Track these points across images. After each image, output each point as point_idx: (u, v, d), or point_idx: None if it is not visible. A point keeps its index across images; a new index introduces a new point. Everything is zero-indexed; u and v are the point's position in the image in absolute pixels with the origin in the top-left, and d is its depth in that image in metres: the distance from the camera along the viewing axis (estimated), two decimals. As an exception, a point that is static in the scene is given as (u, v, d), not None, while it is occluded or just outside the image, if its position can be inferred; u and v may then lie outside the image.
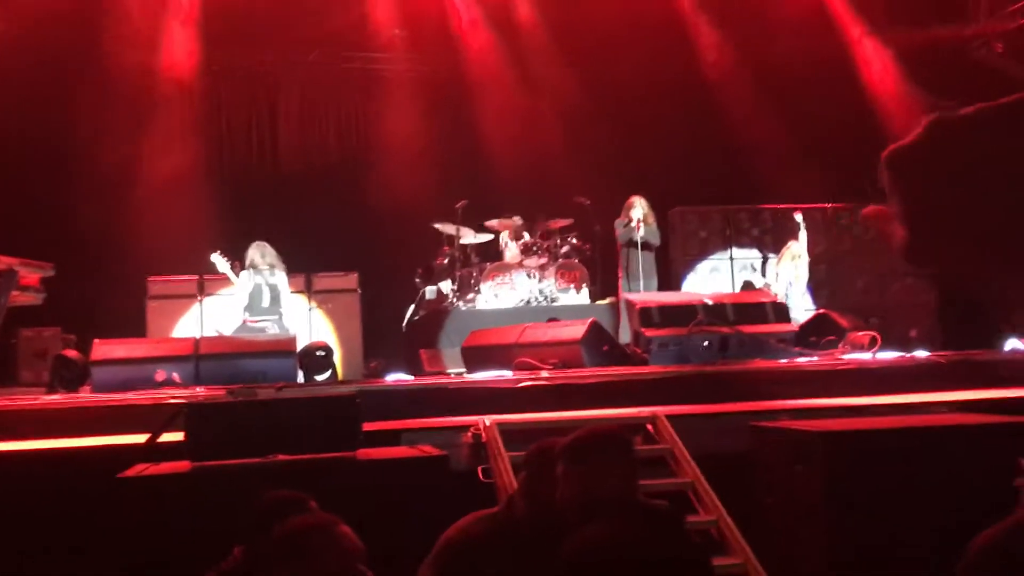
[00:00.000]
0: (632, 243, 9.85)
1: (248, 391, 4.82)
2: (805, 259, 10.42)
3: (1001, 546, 1.84)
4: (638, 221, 9.80)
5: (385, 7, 12.12)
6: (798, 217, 10.61)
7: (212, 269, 9.35)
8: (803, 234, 10.48)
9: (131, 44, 11.55)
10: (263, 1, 11.39)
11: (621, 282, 10.16)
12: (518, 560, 3.02)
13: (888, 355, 7.62)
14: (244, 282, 8.91)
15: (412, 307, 11.18)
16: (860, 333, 8.21)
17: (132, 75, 11.54)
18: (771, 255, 11.25)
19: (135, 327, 9.93)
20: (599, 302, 10.67)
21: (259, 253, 8.96)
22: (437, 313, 10.46)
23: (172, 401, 5.61)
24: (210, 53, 11.79)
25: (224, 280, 9.74)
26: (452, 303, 10.53)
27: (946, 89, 11.53)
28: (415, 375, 8.33)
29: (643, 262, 9.84)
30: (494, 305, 10.38)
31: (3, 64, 11.15)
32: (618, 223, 10.16)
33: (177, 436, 4.58)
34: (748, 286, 11.55)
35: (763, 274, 11.52)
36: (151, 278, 10.39)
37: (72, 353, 7.74)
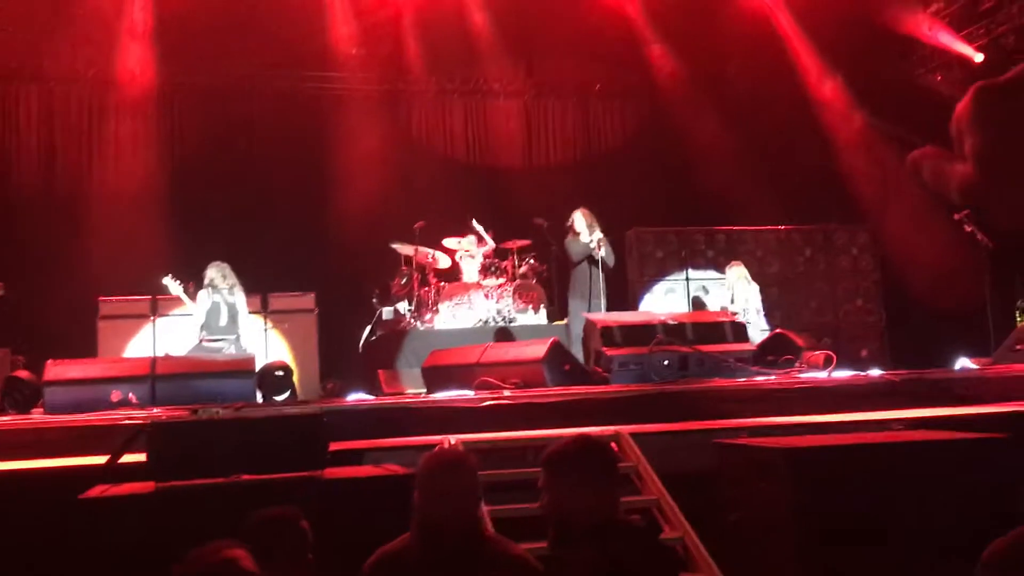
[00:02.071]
0: (593, 261, 9.78)
1: (211, 410, 4.75)
2: (750, 280, 10.62)
3: (1019, 553, 1.87)
4: (599, 241, 9.72)
5: (343, 26, 12.13)
6: None
7: (165, 290, 9.21)
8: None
9: (82, 59, 11.39)
10: (219, 19, 11.30)
11: (571, 302, 10.06)
12: None
13: (843, 374, 7.76)
14: (202, 301, 8.79)
15: (369, 327, 11.11)
16: (816, 352, 8.36)
17: (84, 90, 11.37)
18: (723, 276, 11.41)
19: (86, 348, 9.70)
20: (557, 322, 10.71)
21: (219, 273, 8.84)
22: (395, 333, 10.41)
23: (129, 422, 5.50)
24: (165, 70, 11.66)
25: (177, 300, 9.59)
26: (410, 323, 10.49)
27: (894, 114, 11.91)
28: (374, 395, 8.27)
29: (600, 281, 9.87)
30: (452, 325, 10.36)
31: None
32: (572, 241, 9.95)
33: (138, 457, 4.49)
34: (698, 304, 11.71)
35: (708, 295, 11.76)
36: (102, 298, 10.18)
37: (24, 374, 7.55)
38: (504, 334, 10.02)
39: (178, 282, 8.86)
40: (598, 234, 9.77)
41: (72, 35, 10.94)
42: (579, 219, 9.90)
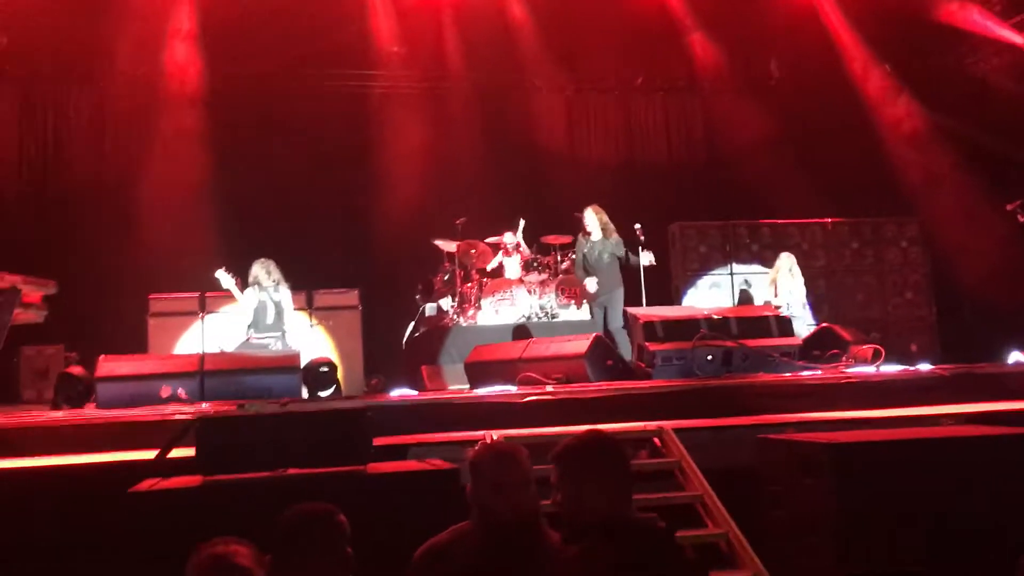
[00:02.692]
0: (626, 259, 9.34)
1: (258, 405, 4.83)
2: (798, 272, 10.45)
3: None
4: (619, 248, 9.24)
5: (384, 25, 12.21)
6: None
7: (214, 286, 9.34)
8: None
9: (133, 61, 11.60)
10: (264, 19, 11.44)
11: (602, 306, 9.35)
12: (467, 570, 3.02)
13: (891, 368, 7.64)
14: (248, 298, 8.90)
15: (412, 324, 11.18)
16: (863, 346, 8.23)
17: (134, 91, 11.58)
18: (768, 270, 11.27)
19: (136, 344, 9.91)
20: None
21: (264, 270, 8.94)
22: (438, 330, 10.46)
23: (178, 417, 5.61)
24: (212, 69, 11.84)
25: (226, 297, 9.72)
26: (452, 319, 10.53)
27: (944, 104, 11.68)
28: (417, 391, 8.32)
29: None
30: (494, 321, 10.38)
31: (3, 80, 11.21)
32: (590, 241, 9.35)
33: (186, 452, 4.58)
34: (745, 299, 11.59)
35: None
36: (152, 295, 10.38)
37: (77, 370, 7.73)
38: (522, 332, 9.91)
39: (230, 275, 8.97)
40: (615, 237, 9.30)
41: (121, 36, 11.13)
42: (590, 217, 9.44)
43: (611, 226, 9.43)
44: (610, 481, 2.87)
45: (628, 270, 9.40)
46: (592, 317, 9.66)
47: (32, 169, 11.36)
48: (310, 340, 10.32)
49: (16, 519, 4.53)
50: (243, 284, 9.01)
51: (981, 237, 11.01)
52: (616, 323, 9.15)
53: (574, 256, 10.75)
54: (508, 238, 10.80)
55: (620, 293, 9.34)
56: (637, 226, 9.85)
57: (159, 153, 11.81)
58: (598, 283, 9.27)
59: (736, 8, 12.13)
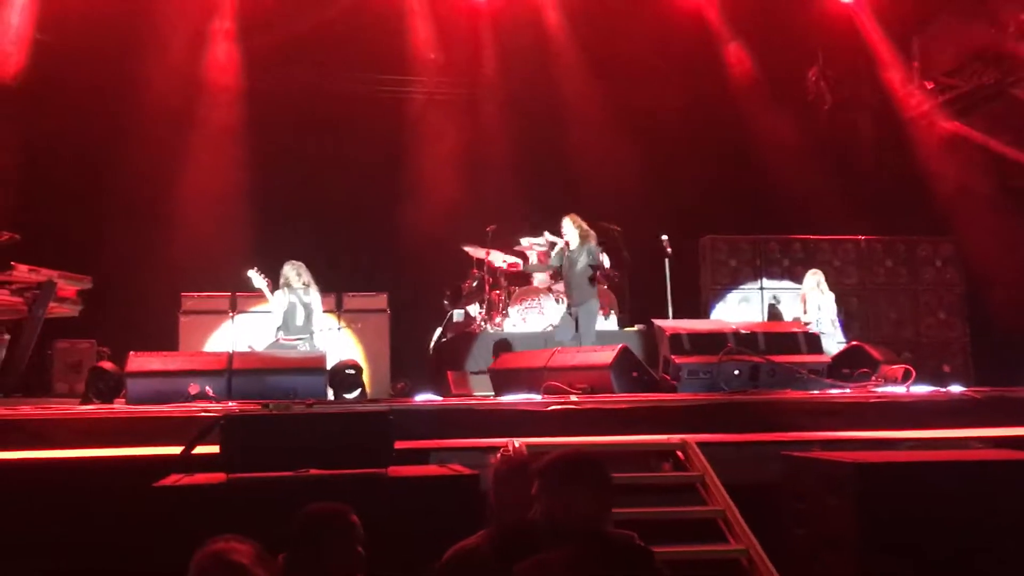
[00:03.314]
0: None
1: (283, 405, 4.86)
2: (827, 289, 10.36)
3: None
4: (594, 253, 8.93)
5: (421, 31, 12.28)
6: None
7: (244, 286, 9.43)
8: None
9: (171, 62, 11.76)
10: (301, 23, 11.56)
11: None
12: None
13: (922, 389, 7.54)
14: (279, 300, 8.97)
15: (440, 329, 11.20)
16: (894, 366, 8.13)
17: (171, 92, 11.73)
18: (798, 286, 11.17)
19: (167, 341, 10.04)
20: (627, 329, 10.65)
21: (295, 272, 9.01)
22: (464, 336, 10.48)
23: (205, 414, 5.66)
24: (249, 73, 11.98)
25: (256, 297, 9.82)
26: (480, 326, 10.55)
27: (981, 122, 11.53)
28: (442, 396, 8.34)
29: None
30: (521, 329, 10.38)
31: (44, 80, 11.40)
32: (569, 251, 9.06)
33: (211, 448, 4.62)
34: (774, 314, 11.50)
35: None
36: (184, 293, 10.51)
37: (108, 365, 7.83)
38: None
39: (263, 275, 9.05)
40: (590, 244, 9.01)
41: (159, 39, 11.28)
42: (568, 226, 9.16)
43: (591, 232, 9.15)
44: (589, 499, 2.95)
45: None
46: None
47: (71, 167, 11.52)
48: (338, 343, 10.38)
49: (43, 510, 4.60)
50: (274, 285, 9.09)
51: (1017, 259, 10.85)
52: (587, 338, 8.80)
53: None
54: (537, 247, 10.80)
55: (591, 306, 9.03)
56: (664, 237, 9.83)
57: (195, 153, 11.95)
58: (571, 293, 9.05)
59: (774, 21, 12.06)
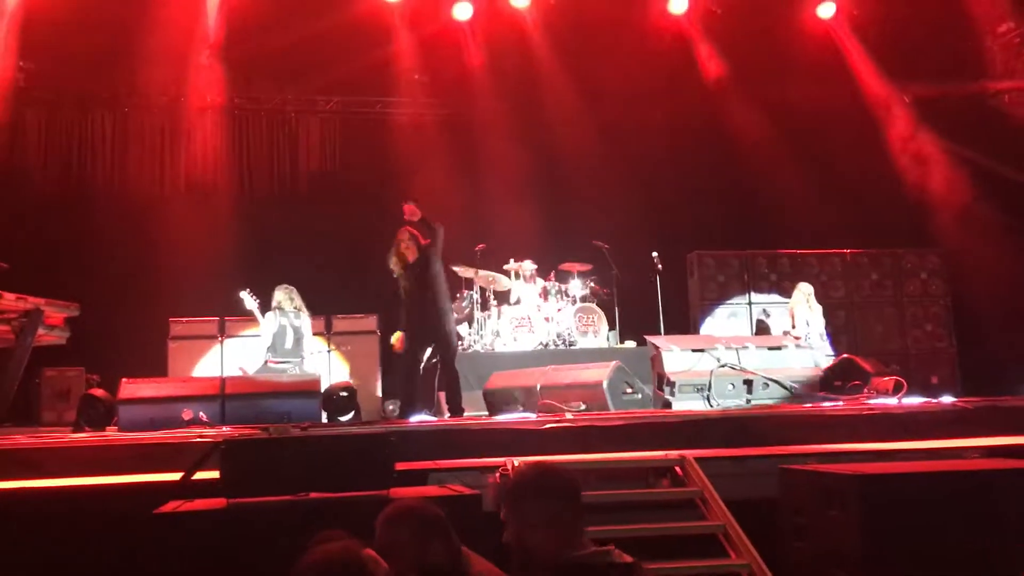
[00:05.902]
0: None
1: (283, 429, 4.84)
2: (816, 302, 10.44)
3: None
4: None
5: (405, 52, 12.33)
6: None
7: (234, 311, 9.38)
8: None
9: (154, 83, 11.74)
10: (286, 45, 11.56)
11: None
12: None
13: (913, 400, 7.59)
14: (269, 323, 8.95)
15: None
16: (885, 378, 8.18)
17: (156, 113, 11.72)
18: (786, 300, 11.23)
19: (156, 367, 9.96)
20: (620, 345, 10.67)
21: (286, 296, 9.01)
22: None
23: (201, 439, 5.63)
24: (233, 93, 11.98)
25: (245, 322, 9.76)
26: (470, 346, 10.54)
27: (962, 135, 11.67)
28: (435, 417, 8.31)
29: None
30: (512, 348, 10.38)
31: (28, 105, 11.38)
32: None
33: (210, 474, 4.59)
34: (762, 328, 11.55)
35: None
36: (173, 319, 10.45)
37: (99, 392, 7.77)
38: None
39: (254, 297, 9.01)
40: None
41: (144, 59, 11.25)
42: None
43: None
44: (559, 515, 2.79)
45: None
46: None
47: (56, 191, 11.48)
48: (328, 365, 10.34)
49: (41, 539, 4.54)
50: (264, 308, 9.06)
51: (1002, 269, 10.95)
52: None
53: (592, 284, 10.80)
54: (527, 266, 10.83)
55: None
56: (654, 254, 9.87)
57: (181, 177, 11.93)
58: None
59: (754, 37, 12.18)
